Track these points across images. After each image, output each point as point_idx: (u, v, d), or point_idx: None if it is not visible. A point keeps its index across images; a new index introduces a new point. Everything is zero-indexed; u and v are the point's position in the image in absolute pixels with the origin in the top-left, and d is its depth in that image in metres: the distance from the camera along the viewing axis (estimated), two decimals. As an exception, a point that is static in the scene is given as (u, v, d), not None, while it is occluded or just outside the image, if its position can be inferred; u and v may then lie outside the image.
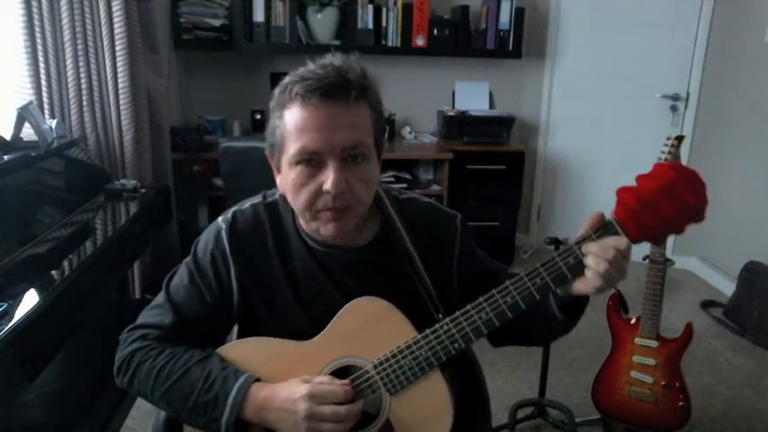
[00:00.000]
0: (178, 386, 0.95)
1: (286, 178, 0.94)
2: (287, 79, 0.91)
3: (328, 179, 0.88)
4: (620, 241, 0.85)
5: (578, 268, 0.87)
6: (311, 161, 0.90)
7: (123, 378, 1.00)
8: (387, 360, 0.95)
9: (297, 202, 0.94)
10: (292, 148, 0.90)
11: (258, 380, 0.95)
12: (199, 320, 1.02)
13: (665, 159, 1.72)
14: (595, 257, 0.85)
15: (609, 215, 0.88)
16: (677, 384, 1.84)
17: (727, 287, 3.27)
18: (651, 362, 1.85)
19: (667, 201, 0.83)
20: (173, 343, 1.00)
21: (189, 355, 0.98)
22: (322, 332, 0.98)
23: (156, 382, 0.96)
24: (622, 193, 0.86)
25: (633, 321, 1.89)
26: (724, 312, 3.05)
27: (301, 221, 1.02)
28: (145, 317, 1.05)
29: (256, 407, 0.93)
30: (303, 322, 1.01)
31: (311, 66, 0.90)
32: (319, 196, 0.91)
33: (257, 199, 1.07)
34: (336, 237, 0.96)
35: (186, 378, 0.95)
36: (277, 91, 0.93)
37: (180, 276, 1.05)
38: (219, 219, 1.05)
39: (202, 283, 1.02)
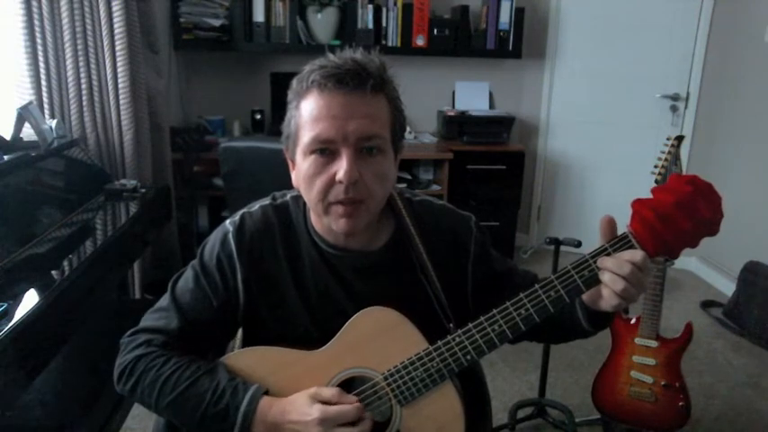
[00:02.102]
0: (185, 397, 0.93)
1: (300, 170, 0.93)
2: (305, 69, 0.91)
3: (341, 169, 0.87)
4: (636, 255, 0.83)
5: (593, 281, 0.86)
6: (325, 150, 0.89)
7: (125, 385, 0.97)
8: (398, 371, 0.93)
9: (309, 193, 0.92)
10: (306, 137, 0.89)
11: (267, 392, 0.94)
12: (205, 324, 1.00)
13: (666, 159, 1.72)
14: (611, 275, 0.83)
15: (625, 228, 0.86)
16: (677, 384, 1.84)
17: (727, 287, 3.27)
18: (651, 362, 1.85)
19: (684, 215, 0.82)
20: (178, 349, 0.98)
21: (196, 366, 0.95)
22: (330, 342, 0.96)
23: (161, 392, 0.94)
24: (638, 205, 0.84)
25: (633, 321, 1.89)
26: (724, 312, 3.05)
27: (313, 221, 1.00)
28: (148, 320, 1.01)
29: (266, 423, 0.91)
30: (310, 327, 1.00)
31: (330, 56, 0.90)
32: (332, 187, 0.89)
33: (266, 201, 1.05)
34: (348, 233, 0.94)
35: (194, 389, 0.93)
36: (294, 82, 0.92)
37: (185, 279, 1.03)
38: (227, 221, 1.03)
39: (208, 287, 1.00)
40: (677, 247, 0.84)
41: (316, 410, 0.89)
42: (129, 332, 1.01)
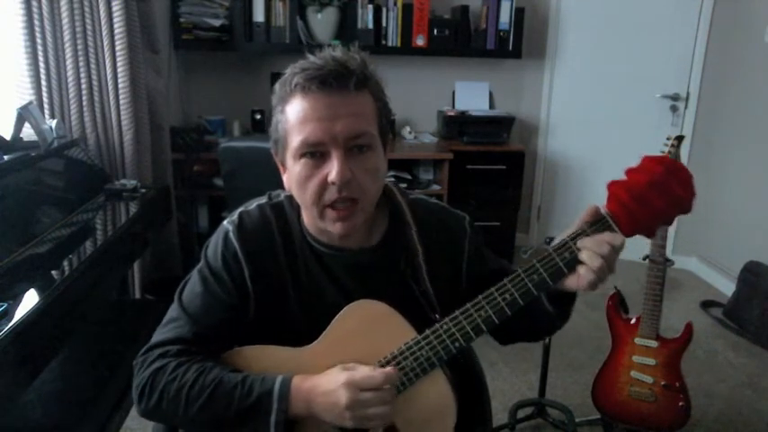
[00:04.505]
0: (215, 398, 0.90)
1: (291, 173, 0.93)
2: (287, 72, 0.91)
3: (333, 170, 0.88)
4: (616, 237, 0.86)
5: (574, 263, 0.88)
6: (315, 153, 0.89)
7: (148, 403, 0.93)
8: (388, 362, 0.93)
9: (303, 197, 0.93)
10: (295, 141, 0.89)
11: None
12: (219, 327, 0.98)
13: (665, 159, 1.72)
14: (590, 252, 0.86)
15: (601, 209, 0.89)
16: (677, 384, 1.84)
17: (727, 287, 3.27)
18: (651, 362, 1.85)
19: (657, 194, 0.84)
20: (195, 355, 0.95)
21: (219, 368, 0.94)
22: (320, 337, 0.96)
23: (188, 400, 0.91)
24: (614, 186, 0.87)
25: (633, 321, 1.89)
26: (724, 312, 3.05)
27: (306, 222, 1.01)
28: (159, 335, 0.98)
29: (302, 399, 0.90)
30: (306, 325, 1.00)
31: (311, 58, 0.90)
32: (325, 189, 0.90)
33: (263, 200, 1.06)
34: (345, 235, 0.94)
35: (221, 388, 0.90)
36: (278, 86, 0.93)
37: (192, 285, 1.01)
38: (225, 221, 1.03)
39: (219, 288, 0.99)
40: (653, 225, 0.87)
41: (343, 376, 0.88)
42: (141, 352, 0.98)
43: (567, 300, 0.97)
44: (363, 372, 0.89)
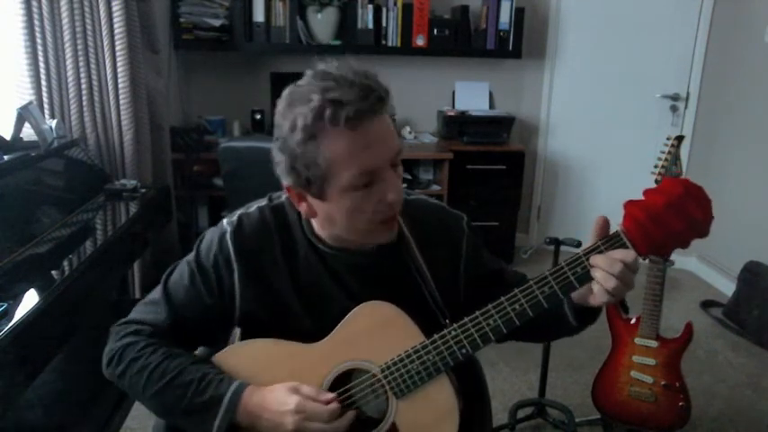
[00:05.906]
0: (172, 386, 0.94)
1: (336, 206, 0.90)
2: (315, 101, 0.83)
3: (388, 190, 0.89)
4: (628, 255, 0.85)
5: (586, 278, 0.88)
6: (369, 181, 0.88)
7: (114, 370, 0.99)
8: (394, 364, 0.95)
9: (353, 225, 0.92)
10: (347, 175, 0.86)
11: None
12: (195, 321, 1.02)
13: (665, 159, 1.72)
14: (603, 272, 0.85)
15: (617, 227, 0.88)
16: (677, 384, 1.84)
17: (727, 287, 3.27)
18: (651, 362, 1.85)
19: (675, 215, 0.84)
20: (166, 341, 1.00)
21: (184, 357, 0.98)
22: (329, 335, 0.97)
23: (148, 381, 0.95)
24: (630, 206, 0.86)
25: (633, 321, 1.89)
26: (724, 312, 3.05)
27: (318, 230, 1.00)
28: (139, 312, 1.04)
29: (248, 412, 0.93)
30: (308, 325, 1.01)
31: (330, 82, 0.83)
32: (378, 211, 0.90)
33: (263, 201, 1.06)
34: (391, 239, 0.97)
35: (180, 379, 0.94)
36: (303, 119, 0.84)
37: (180, 274, 1.03)
38: (225, 221, 1.04)
39: (203, 285, 1.01)
40: (668, 247, 0.87)
41: (293, 401, 0.91)
42: (120, 321, 1.04)
43: (590, 314, 0.97)
44: (313, 405, 0.91)
